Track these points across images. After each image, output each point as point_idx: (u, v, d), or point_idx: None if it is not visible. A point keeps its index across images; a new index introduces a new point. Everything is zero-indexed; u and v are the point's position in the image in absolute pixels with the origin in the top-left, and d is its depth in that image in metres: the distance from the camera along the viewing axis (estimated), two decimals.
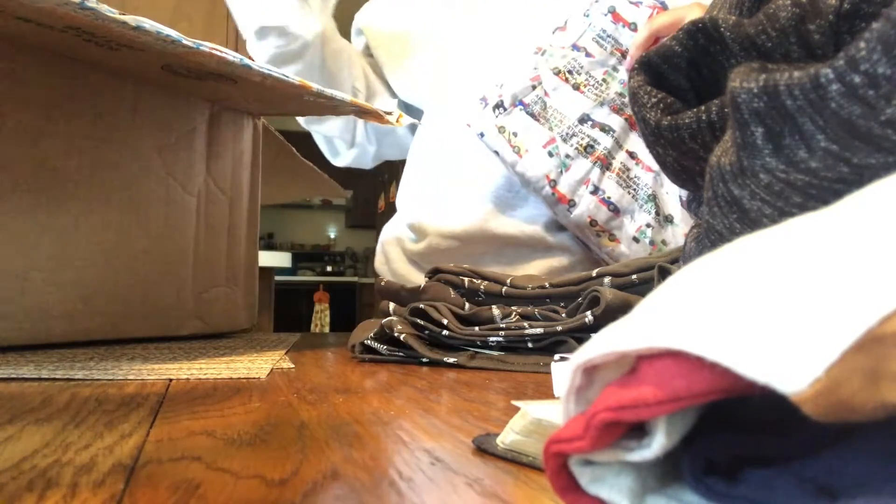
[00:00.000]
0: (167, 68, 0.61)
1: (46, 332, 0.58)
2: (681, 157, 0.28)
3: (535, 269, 0.82)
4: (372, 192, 5.60)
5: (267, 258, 1.91)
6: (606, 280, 0.58)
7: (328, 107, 0.69)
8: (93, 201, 0.62)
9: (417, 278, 0.83)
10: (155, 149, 0.68)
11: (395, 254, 0.93)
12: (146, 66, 0.61)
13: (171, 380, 0.42)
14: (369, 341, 0.56)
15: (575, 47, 0.74)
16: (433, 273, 0.66)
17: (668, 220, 0.72)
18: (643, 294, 0.42)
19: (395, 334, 0.55)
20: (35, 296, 0.57)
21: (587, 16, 0.75)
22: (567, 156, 0.71)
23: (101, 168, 0.63)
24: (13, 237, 0.56)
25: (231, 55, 0.54)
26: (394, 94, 0.97)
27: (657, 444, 0.13)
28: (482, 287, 0.62)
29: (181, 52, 0.53)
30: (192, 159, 0.72)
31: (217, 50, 0.52)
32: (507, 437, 0.24)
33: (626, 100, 0.70)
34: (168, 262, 0.69)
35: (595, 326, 0.53)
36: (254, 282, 0.80)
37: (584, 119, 0.72)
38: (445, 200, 0.86)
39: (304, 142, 1.12)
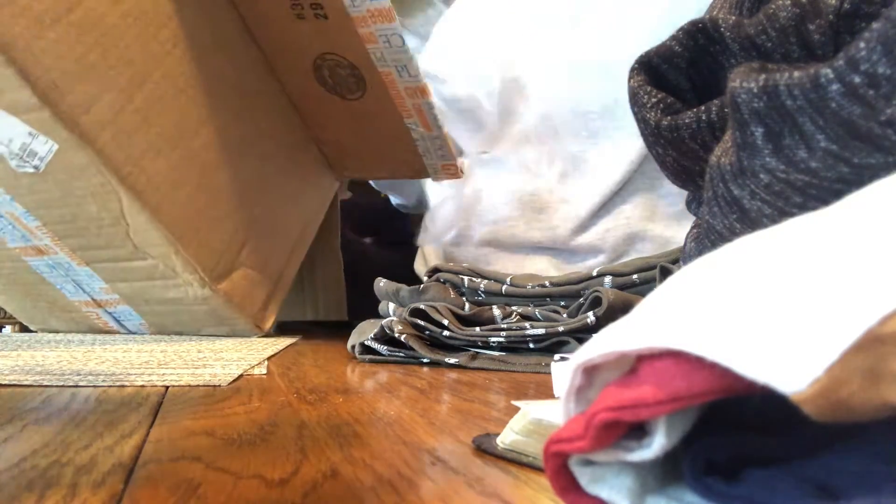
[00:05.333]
0: (319, 64, 0.68)
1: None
2: (681, 157, 0.28)
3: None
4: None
5: None
6: (607, 280, 0.58)
7: (420, 144, 0.76)
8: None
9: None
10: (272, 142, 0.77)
11: (432, 256, 0.94)
12: (305, 53, 0.69)
13: (167, 387, 0.42)
14: (369, 342, 0.56)
15: None
16: (433, 272, 0.66)
17: None
18: (644, 294, 0.42)
19: (396, 335, 0.55)
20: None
21: None
22: None
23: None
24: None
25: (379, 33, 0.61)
26: None
27: (657, 444, 0.13)
28: (482, 286, 0.62)
29: (346, 32, 0.60)
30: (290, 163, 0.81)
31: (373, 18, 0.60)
32: (507, 437, 0.24)
33: None
34: (238, 216, 0.73)
35: (597, 327, 0.53)
36: (282, 294, 0.82)
37: None
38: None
39: None
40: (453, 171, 0.78)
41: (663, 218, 0.77)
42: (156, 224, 0.64)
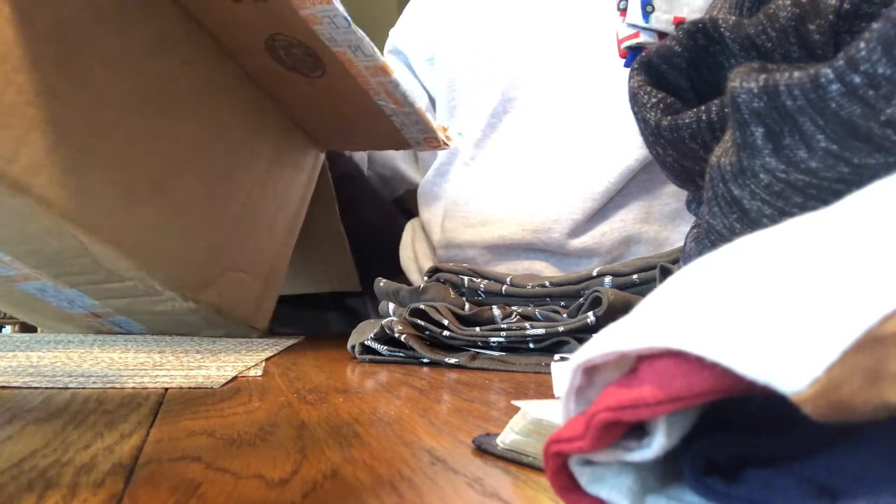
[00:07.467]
0: (271, 45, 0.64)
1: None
2: (681, 157, 0.28)
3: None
4: None
5: None
6: (607, 280, 0.58)
7: (395, 119, 0.73)
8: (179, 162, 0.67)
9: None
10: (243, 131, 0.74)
11: (423, 251, 0.93)
12: (254, 36, 0.65)
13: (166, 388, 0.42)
14: (369, 342, 0.56)
15: None
16: (432, 272, 0.66)
17: None
18: (644, 294, 0.42)
19: (396, 335, 0.55)
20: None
21: None
22: None
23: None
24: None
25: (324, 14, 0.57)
26: None
27: (657, 444, 0.13)
28: (482, 286, 0.62)
29: (287, 13, 0.57)
30: (262, 151, 0.77)
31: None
32: (507, 437, 0.24)
33: None
34: (212, 221, 0.71)
35: (596, 327, 0.53)
36: (275, 288, 0.81)
37: None
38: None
39: None
40: (435, 143, 0.75)
41: (658, 219, 0.77)
42: (119, 253, 0.61)
